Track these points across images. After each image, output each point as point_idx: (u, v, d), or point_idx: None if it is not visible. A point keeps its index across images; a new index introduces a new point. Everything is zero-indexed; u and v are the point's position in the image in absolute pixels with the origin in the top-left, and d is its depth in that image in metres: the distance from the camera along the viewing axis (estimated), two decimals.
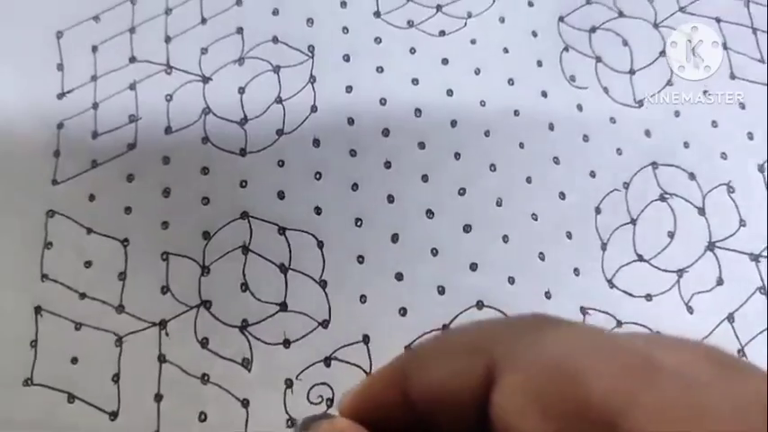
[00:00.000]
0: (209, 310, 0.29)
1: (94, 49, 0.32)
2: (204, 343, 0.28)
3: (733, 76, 0.34)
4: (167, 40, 0.32)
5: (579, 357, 0.13)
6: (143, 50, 0.32)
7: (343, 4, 0.33)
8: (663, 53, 0.34)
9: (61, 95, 0.31)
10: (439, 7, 0.33)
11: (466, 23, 0.33)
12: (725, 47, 0.34)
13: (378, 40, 0.33)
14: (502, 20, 0.33)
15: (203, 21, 0.33)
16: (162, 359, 0.28)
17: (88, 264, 0.29)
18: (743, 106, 0.33)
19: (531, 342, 0.14)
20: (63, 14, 0.32)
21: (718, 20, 0.34)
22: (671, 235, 0.31)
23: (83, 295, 0.29)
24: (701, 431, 0.11)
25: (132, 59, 0.32)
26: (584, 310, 0.30)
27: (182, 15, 0.33)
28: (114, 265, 0.29)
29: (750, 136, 0.33)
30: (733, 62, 0.34)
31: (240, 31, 0.32)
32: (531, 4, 0.34)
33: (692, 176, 0.32)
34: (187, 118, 0.31)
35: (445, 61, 0.32)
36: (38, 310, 0.28)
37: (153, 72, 0.32)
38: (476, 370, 0.15)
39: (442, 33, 0.33)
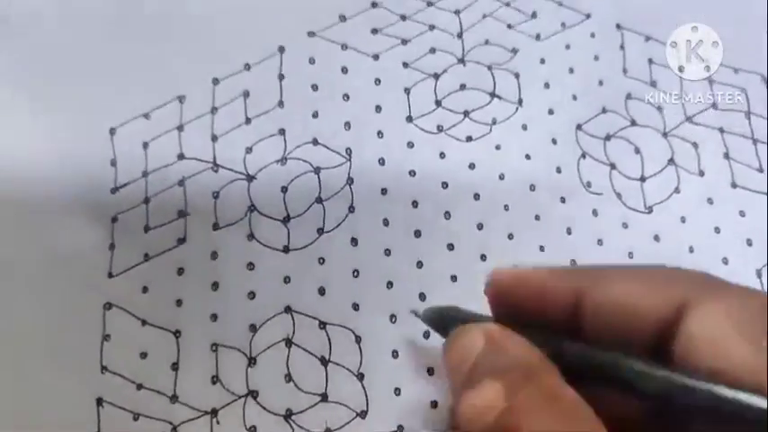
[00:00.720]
0: (257, 399, 0.31)
1: (145, 145, 0.34)
2: (252, 431, 0.31)
3: (734, 185, 0.37)
4: (214, 138, 0.34)
5: None
6: (191, 148, 0.34)
7: (378, 109, 0.35)
8: (671, 161, 0.36)
9: (114, 190, 0.33)
10: (466, 113, 0.36)
11: (491, 129, 0.35)
12: (727, 156, 0.37)
13: (410, 144, 0.35)
14: (524, 127, 0.36)
15: (248, 121, 0.35)
16: None
17: (144, 355, 0.31)
18: (743, 214, 0.36)
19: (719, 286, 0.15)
20: (115, 112, 0.34)
21: (721, 130, 0.37)
22: None
23: (140, 386, 0.31)
24: None
25: (181, 156, 0.34)
26: None
27: (227, 115, 0.35)
28: (168, 356, 0.31)
29: (749, 242, 0.36)
30: (735, 171, 0.37)
31: (282, 132, 0.35)
32: (551, 112, 0.36)
33: None
34: (233, 215, 0.33)
35: (472, 166, 0.35)
36: (99, 401, 0.31)
37: (201, 169, 0.34)
38: (670, 298, 0.15)
39: (469, 139, 0.35)
